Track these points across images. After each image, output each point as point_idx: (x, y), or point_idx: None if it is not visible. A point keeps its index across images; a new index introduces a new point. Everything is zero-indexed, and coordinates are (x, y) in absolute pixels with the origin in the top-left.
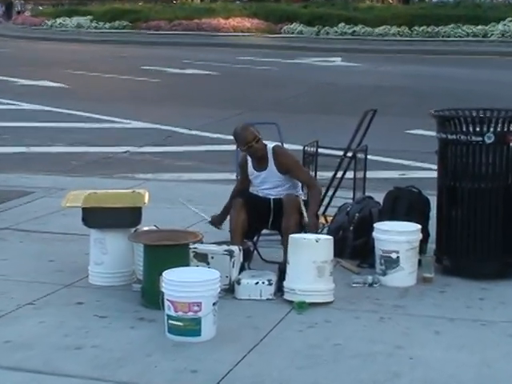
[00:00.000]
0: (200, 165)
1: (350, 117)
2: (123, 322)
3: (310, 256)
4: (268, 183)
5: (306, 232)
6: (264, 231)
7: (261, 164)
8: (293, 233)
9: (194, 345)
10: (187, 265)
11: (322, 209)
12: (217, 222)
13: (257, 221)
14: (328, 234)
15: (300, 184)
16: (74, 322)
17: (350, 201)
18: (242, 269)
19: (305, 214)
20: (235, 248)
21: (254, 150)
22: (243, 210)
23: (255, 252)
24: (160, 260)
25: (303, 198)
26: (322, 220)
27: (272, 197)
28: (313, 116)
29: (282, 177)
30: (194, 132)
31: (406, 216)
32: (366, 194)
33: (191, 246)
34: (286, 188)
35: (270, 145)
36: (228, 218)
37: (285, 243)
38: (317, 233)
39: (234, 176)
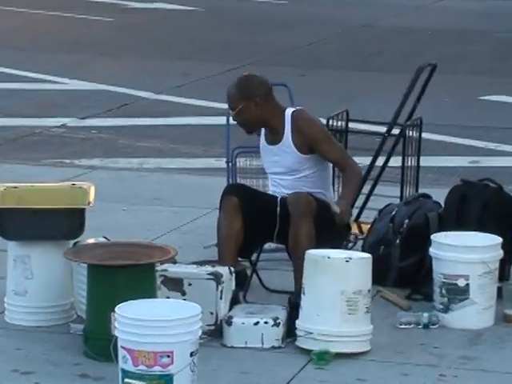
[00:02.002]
0: (172, 146)
1: (396, 75)
2: (58, 381)
3: (337, 283)
4: (279, 165)
5: (337, 223)
6: (268, 245)
7: (274, 134)
8: (305, 249)
9: None
10: (153, 296)
11: (354, 212)
12: None
13: (257, 230)
14: (363, 250)
15: (330, 176)
16: None
17: (397, 201)
18: (234, 301)
19: (334, 207)
20: (224, 270)
21: (239, 123)
22: (238, 213)
23: (254, 277)
24: (112, 288)
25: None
26: (354, 229)
27: (281, 192)
28: (341, 73)
29: (302, 157)
30: (163, 97)
31: (480, 224)
32: (420, 190)
33: (159, 268)
34: (307, 177)
35: (290, 110)
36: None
37: (295, 265)
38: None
39: (223, 163)
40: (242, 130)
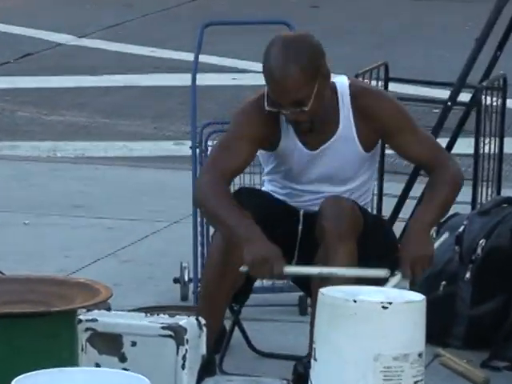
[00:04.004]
0: (105, 121)
1: (462, 6)
2: None
3: (369, 343)
4: (325, 169)
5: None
6: (259, 282)
7: (322, 127)
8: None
9: None
10: (73, 362)
11: (398, 228)
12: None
13: None
14: (413, 288)
15: (372, 185)
16: None
17: (467, 209)
18: (205, 372)
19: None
20: (189, 323)
21: (300, 119)
22: None
23: (236, 332)
24: (8, 350)
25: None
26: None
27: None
28: (374, 4)
29: (365, 157)
30: (89, 42)
31: None
32: (504, 192)
33: (83, 317)
34: (352, 190)
35: (339, 80)
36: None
37: (314, 311)
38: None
39: (186, 147)
40: (221, 98)
